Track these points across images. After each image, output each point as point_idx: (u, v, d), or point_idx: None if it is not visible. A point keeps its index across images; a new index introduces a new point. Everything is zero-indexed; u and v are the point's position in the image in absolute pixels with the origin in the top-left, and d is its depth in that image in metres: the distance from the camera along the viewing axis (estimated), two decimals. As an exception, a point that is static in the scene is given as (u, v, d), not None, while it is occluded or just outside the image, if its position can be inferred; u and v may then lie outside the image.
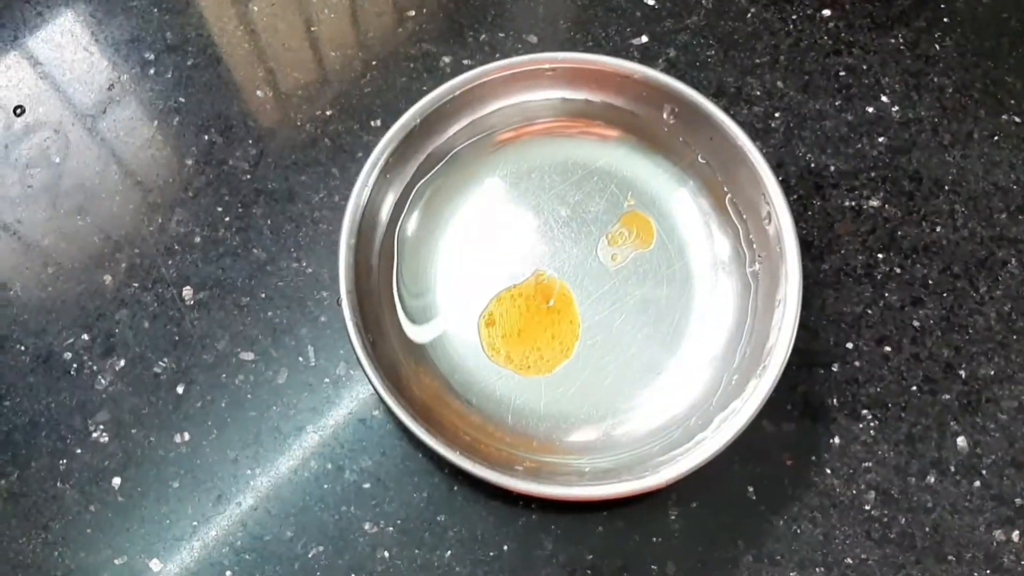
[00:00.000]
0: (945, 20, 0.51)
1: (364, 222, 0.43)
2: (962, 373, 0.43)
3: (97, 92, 0.50)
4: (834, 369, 0.43)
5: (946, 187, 0.47)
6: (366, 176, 0.43)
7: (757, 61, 0.50)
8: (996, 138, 0.48)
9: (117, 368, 0.44)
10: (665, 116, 0.46)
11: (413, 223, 0.46)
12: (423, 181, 0.46)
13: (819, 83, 0.49)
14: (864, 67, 0.50)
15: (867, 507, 0.41)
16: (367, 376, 0.40)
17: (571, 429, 0.42)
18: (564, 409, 0.42)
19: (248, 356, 0.44)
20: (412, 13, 0.52)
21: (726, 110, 0.43)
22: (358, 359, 0.40)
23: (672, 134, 0.46)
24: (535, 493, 0.39)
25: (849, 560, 0.40)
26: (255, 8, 0.52)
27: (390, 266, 0.45)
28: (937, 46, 0.50)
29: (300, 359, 0.44)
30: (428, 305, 0.44)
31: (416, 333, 0.44)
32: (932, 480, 0.41)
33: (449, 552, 0.41)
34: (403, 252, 0.45)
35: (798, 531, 0.40)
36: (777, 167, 0.47)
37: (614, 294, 0.44)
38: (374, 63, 0.51)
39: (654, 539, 0.40)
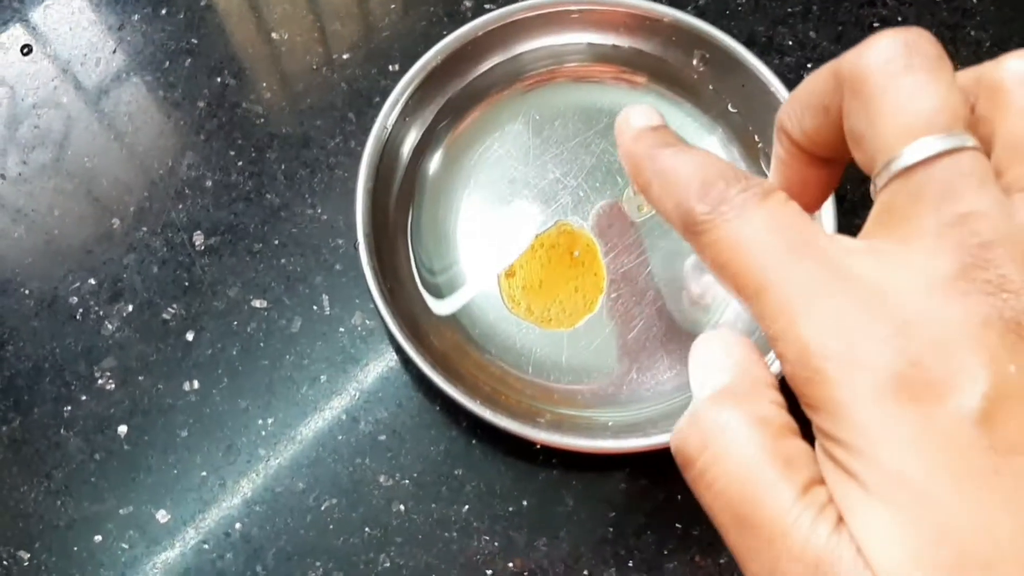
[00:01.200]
0: (983, -27, 0.50)
1: (383, 165, 0.42)
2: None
3: (107, 32, 0.48)
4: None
5: (983, 143, 0.45)
6: (385, 117, 0.42)
7: (789, 10, 0.48)
8: (1035, 93, 0.46)
9: (124, 314, 0.43)
10: (695, 63, 0.44)
11: (433, 167, 0.44)
12: (443, 124, 0.44)
13: (852, 34, 0.48)
14: (899, 19, 0.48)
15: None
16: (385, 324, 0.38)
17: (593, 383, 0.40)
18: (587, 362, 0.41)
19: (260, 304, 0.43)
20: (433, -44, 0.50)
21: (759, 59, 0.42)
22: (376, 307, 0.38)
23: (701, 81, 0.45)
24: (556, 444, 0.37)
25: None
26: (270, -50, 0.51)
27: (406, 213, 0.43)
28: (974, -1, 0.49)
29: (314, 308, 0.43)
30: (449, 266, 0.42)
31: (438, 305, 0.42)
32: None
33: (466, 507, 0.39)
34: (422, 200, 0.43)
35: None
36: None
37: (639, 246, 0.43)
38: (393, 6, 0.49)
39: (679, 497, 0.39)
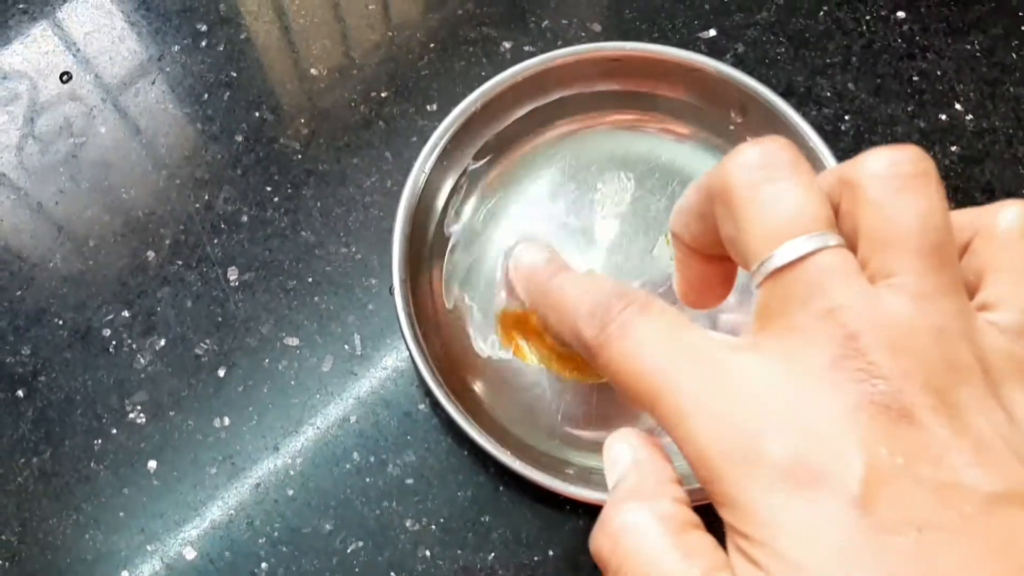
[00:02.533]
0: (1023, 29, 0.49)
1: (419, 210, 0.42)
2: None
3: (146, 63, 0.49)
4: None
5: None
6: (423, 162, 0.42)
7: (828, 61, 0.48)
8: (1074, 152, 0.46)
9: (157, 348, 0.43)
10: (732, 115, 0.44)
11: (467, 213, 0.44)
12: (478, 166, 0.45)
13: (892, 87, 0.48)
14: (938, 72, 0.48)
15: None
16: (416, 368, 0.38)
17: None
18: (616, 411, 0.41)
19: (293, 341, 0.43)
20: (473, -4, 0.51)
21: (796, 110, 0.42)
22: (409, 351, 0.38)
23: (738, 133, 0.44)
24: (583, 498, 0.37)
25: None
26: (311, -16, 0.51)
27: (442, 256, 0.43)
28: (1014, 55, 0.49)
29: (346, 347, 0.43)
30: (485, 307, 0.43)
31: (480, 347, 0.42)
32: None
33: (492, 554, 0.39)
34: (456, 244, 0.44)
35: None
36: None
37: (671, 296, 0.43)
38: (432, 45, 0.49)
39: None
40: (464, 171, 0.44)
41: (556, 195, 0.44)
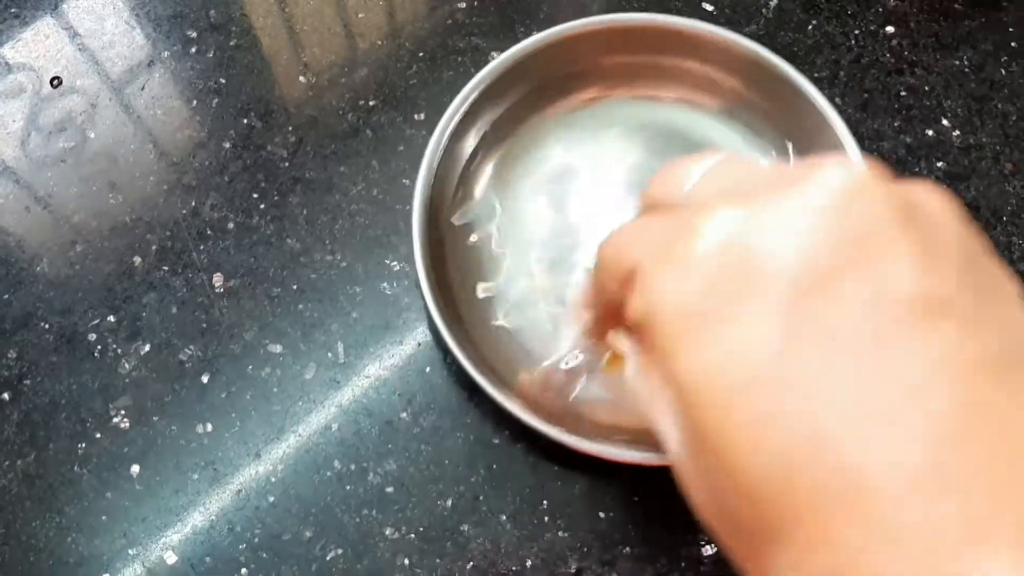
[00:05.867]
0: (1012, 45, 0.49)
1: (432, 198, 0.42)
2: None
3: (136, 68, 0.49)
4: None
5: (1004, 218, 0.45)
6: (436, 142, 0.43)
7: (816, 75, 0.48)
8: (1060, 170, 0.46)
9: (142, 353, 0.43)
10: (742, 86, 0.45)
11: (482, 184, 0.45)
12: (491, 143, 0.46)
13: (879, 102, 0.48)
14: (926, 88, 0.48)
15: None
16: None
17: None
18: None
19: (276, 348, 0.43)
20: (463, 5, 0.51)
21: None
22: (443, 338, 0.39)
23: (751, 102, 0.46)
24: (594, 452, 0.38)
25: None
26: (302, -10, 0.51)
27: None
28: (1003, 71, 0.49)
29: (329, 355, 0.43)
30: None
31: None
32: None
33: (471, 564, 0.39)
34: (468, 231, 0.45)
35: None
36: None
37: None
38: (421, 55, 0.49)
39: (682, 563, 0.39)
40: (475, 151, 0.45)
41: (575, 172, 0.45)
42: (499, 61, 0.44)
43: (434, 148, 0.43)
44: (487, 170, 0.45)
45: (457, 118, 0.43)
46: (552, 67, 0.45)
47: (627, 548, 0.39)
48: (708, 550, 0.39)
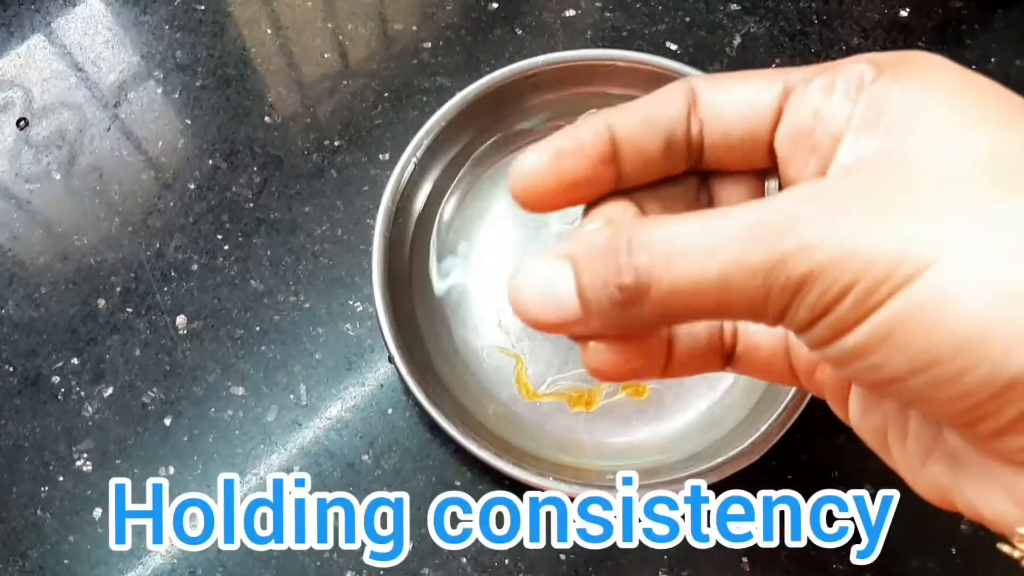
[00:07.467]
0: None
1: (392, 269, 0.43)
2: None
3: (102, 109, 0.49)
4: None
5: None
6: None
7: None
8: None
9: (105, 395, 0.43)
10: None
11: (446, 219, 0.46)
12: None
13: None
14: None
15: (863, 588, 0.40)
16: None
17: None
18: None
19: (239, 391, 0.43)
20: (428, 45, 0.51)
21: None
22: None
23: None
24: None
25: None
26: (268, 31, 0.51)
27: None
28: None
29: (291, 396, 0.43)
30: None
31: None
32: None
33: (431, 606, 0.40)
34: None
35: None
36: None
37: None
38: (386, 95, 0.49)
39: (642, 606, 0.39)
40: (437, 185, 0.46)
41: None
42: (457, 99, 0.45)
43: (394, 187, 0.43)
44: (451, 204, 0.46)
45: (418, 156, 0.44)
46: (512, 103, 0.46)
47: (586, 590, 0.40)
48: (665, 593, 0.39)
